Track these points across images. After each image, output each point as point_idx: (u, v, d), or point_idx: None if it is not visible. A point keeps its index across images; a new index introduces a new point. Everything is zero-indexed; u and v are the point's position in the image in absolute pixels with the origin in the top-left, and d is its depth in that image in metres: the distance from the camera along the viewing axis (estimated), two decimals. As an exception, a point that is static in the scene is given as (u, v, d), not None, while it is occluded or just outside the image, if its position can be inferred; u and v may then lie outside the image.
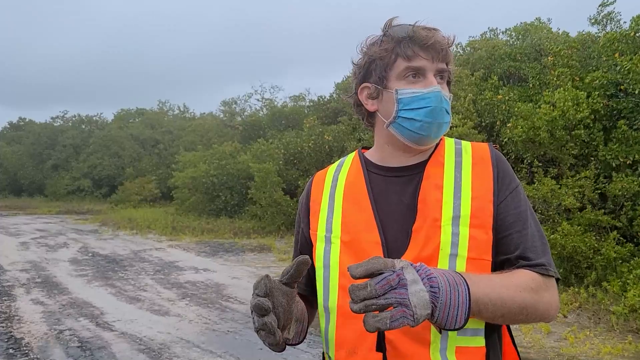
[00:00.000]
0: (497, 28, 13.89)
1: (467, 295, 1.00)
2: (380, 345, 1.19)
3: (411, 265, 0.97)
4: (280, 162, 15.67)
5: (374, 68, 1.26)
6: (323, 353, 1.37)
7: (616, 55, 8.15)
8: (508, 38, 13.74)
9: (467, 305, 1.00)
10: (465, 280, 1.02)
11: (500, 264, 1.21)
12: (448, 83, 1.29)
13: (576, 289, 6.59)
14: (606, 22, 10.71)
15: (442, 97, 1.22)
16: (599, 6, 10.68)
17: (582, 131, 7.77)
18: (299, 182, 14.79)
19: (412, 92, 1.22)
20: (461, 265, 1.15)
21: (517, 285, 1.12)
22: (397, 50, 1.22)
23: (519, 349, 1.35)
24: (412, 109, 1.21)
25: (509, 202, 1.21)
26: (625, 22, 10.43)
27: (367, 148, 1.42)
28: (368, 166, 1.34)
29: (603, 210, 7.28)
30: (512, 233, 1.19)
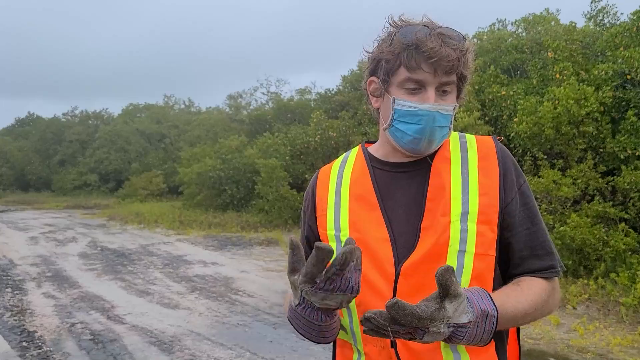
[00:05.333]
0: (505, 19, 13.77)
1: (493, 328, 1.05)
2: (392, 342, 1.20)
3: (446, 326, 0.98)
4: (287, 156, 15.67)
5: (380, 66, 1.23)
6: (334, 344, 1.37)
7: (621, 49, 8.12)
8: (515, 29, 13.64)
9: (489, 338, 1.06)
10: (496, 319, 1.05)
11: (508, 261, 1.23)
12: (460, 90, 1.25)
13: (585, 281, 6.59)
14: (602, 17, 10.69)
15: (437, 116, 1.17)
16: (592, 2, 10.69)
17: (590, 126, 7.73)
18: (306, 176, 14.81)
19: (407, 106, 1.18)
20: (469, 261, 1.16)
21: (534, 303, 1.16)
22: (402, 58, 1.17)
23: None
24: (405, 122, 1.19)
25: (517, 199, 1.22)
26: (622, 14, 10.45)
27: (370, 142, 1.41)
28: (372, 162, 1.33)
29: (611, 202, 7.26)
30: (522, 231, 1.21)
